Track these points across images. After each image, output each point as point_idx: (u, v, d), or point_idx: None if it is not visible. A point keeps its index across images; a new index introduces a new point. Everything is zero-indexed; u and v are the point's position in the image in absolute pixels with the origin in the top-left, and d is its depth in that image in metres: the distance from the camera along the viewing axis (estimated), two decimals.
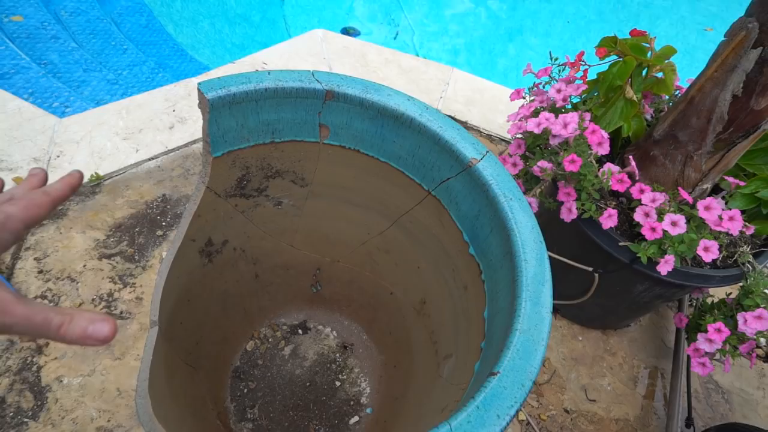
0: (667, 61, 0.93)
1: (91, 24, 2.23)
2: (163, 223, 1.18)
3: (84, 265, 1.07)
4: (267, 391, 0.91)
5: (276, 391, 0.91)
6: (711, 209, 0.80)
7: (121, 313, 1.01)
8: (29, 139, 1.26)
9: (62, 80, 1.87)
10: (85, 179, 1.21)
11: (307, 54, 1.66)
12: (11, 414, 0.86)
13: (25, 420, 0.86)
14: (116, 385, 0.92)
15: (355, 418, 0.89)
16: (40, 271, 1.04)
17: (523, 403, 0.41)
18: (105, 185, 1.22)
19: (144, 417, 0.49)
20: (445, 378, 0.69)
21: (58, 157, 1.24)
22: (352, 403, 0.91)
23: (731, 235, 0.85)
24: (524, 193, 0.98)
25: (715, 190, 0.94)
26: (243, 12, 2.84)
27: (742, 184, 0.88)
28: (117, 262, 1.09)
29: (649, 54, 0.92)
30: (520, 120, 0.96)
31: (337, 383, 0.93)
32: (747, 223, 0.84)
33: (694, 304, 1.05)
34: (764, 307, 0.83)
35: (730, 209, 0.81)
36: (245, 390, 0.90)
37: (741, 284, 0.87)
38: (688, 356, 1.05)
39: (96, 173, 1.21)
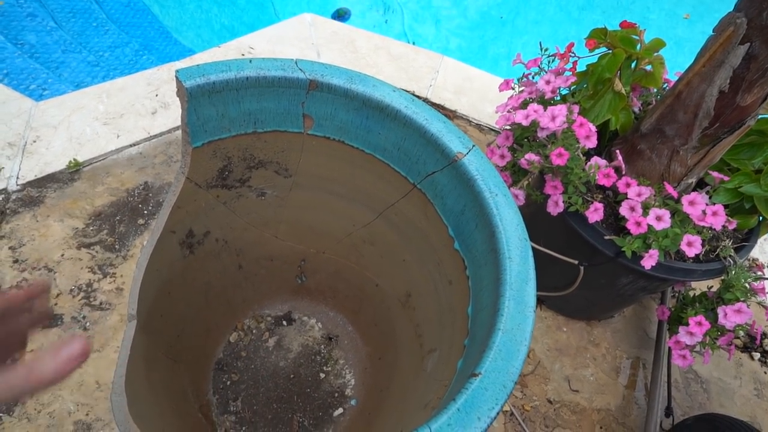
0: (656, 54, 0.92)
1: (71, 2, 2.15)
2: (145, 212, 1.15)
3: (62, 255, 1.04)
4: (250, 384, 0.90)
5: (259, 383, 0.91)
6: (695, 204, 0.80)
7: (101, 303, 0.99)
8: (4, 123, 1.21)
9: (40, 61, 1.80)
10: (63, 165, 1.17)
11: (295, 39, 1.63)
12: None
13: (0, 415, 0.85)
14: (95, 378, 0.90)
15: (340, 410, 0.89)
16: (16, 261, 1.01)
17: (504, 404, 0.41)
18: (84, 172, 1.19)
19: (119, 416, 0.48)
20: (428, 372, 0.69)
21: (34, 142, 1.20)
22: (336, 395, 0.91)
23: (714, 229, 0.86)
24: (511, 185, 0.97)
25: (700, 185, 0.94)
26: None
27: (726, 179, 0.88)
28: (96, 251, 1.06)
29: (638, 46, 0.92)
30: (508, 111, 0.95)
31: (322, 375, 0.93)
32: (729, 218, 0.85)
33: (677, 296, 1.06)
34: (744, 301, 0.84)
35: (714, 204, 0.81)
36: (228, 382, 0.90)
37: (722, 278, 0.88)
38: (669, 348, 1.07)
39: (74, 159, 1.18)
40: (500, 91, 1.01)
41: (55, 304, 0.98)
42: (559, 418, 1.03)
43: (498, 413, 0.41)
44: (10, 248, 1.03)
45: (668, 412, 1.05)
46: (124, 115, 1.31)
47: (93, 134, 1.25)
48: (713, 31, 0.72)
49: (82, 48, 1.96)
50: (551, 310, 1.17)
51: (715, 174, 0.88)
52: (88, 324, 0.97)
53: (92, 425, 0.86)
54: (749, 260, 1.36)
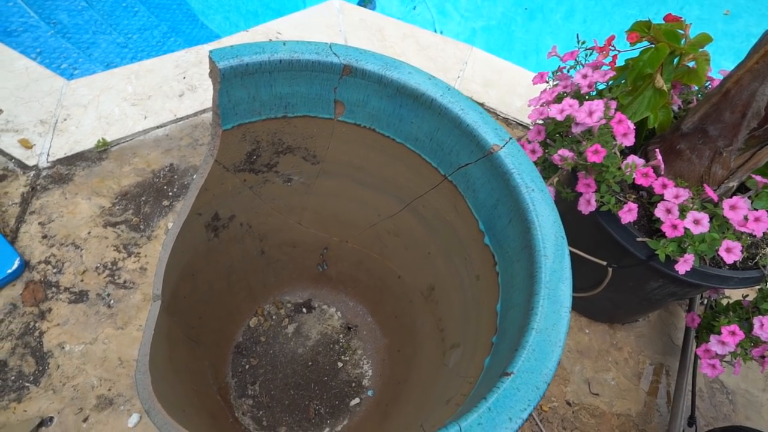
0: (701, 50, 0.88)
1: None
2: (170, 193, 1.16)
3: (89, 232, 1.05)
4: (269, 369, 0.90)
5: (278, 368, 0.91)
6: (737, 209, 0.77)
7: (125, 282, 1.01)
8: (36, 101, 1.23)
9: (71, 41, 1.83)
10: (92, 144, 1.18)
11: (323, 25, 1.61)
12: (13, 378, 0.87)
13: (27, 384, 0.86)
14: (118, 354, 0.92)
15: (356, 400, 0.89)
16: (45, 236, 1.03)
17: (536, 406, 0.40)
18: (112, 151, 1.20)
19: (143, 394, 0.48)
20: (450, 368, 0.68)
21: (65, 120, 1.22)
22: (353, 384, 0.91)
23: (754, 236, 0.82)
24: None
25: (740, 189, 0.90)
26: None
27: None
28: (122, 230, 1.08)
29: (683, 41, 0.88)
30: (541, 105, 0.93)
31: (340, 364, 0.93)
32: None
33: (706, 303, 1.03)
34: None
35: (756, 209, 0.77)
36: (247, 366, 0.90)
37: (759, 287, 0.85)
38: (696, 356, 1.04)
39: (103, 139, 1.19)
40: (534, 84, 0.98)
41: (81, 281, 0.99)
42: (578, 421, 1.01)
43: (529, 415, 0.40)
44: (39, 224, 1.04)
45: (691, 421, 1.02)
46: (151, 97, 1.32)
47: (121, 114, 1.26)
48: None
49: (112, 29, 1.98)
50: (574, 311, 1.15)
51: (758, 178, 0.84)
52: (112, 302, 0.98)
53: (114, 400, 0.87)
54: None
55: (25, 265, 0.98)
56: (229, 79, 0.58)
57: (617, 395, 1.06)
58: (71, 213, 1.08)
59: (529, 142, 0.92)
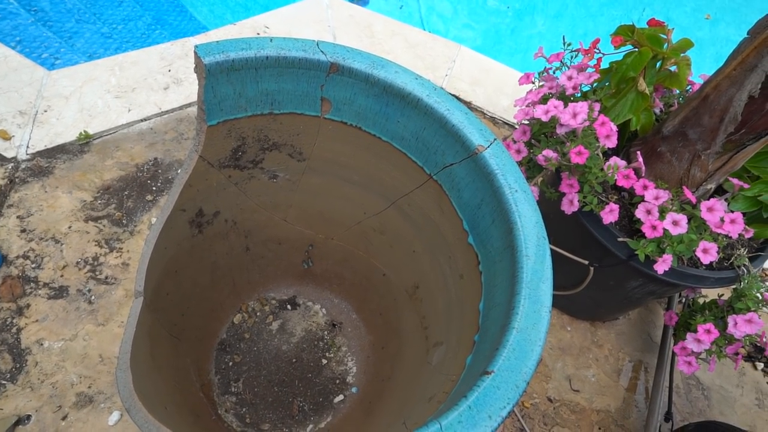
0: (682, 55, 0.90)
1: None
2: (154, 188, 1.14)
3: (69, 227, 1.04)
4: (252, 366, 0.90)
5: (261, 365, 0.91)
6: (714, 211, 0.79)
7: (106, 278, 0.99)
8: (15, 91, 1.20)
9: (53, 30, 1.78)
10: (74, 137, 1.16)
11: (312, 21, 1.60)
12: None
13: (3, 382, 0.85)
14: (98, 351, 0.90)
15: (340, 397, 0.89)
16: (23, 230, 1.01)
17: (516, 404, 0.40)
18: (94, 144, 1.18)
19: (124, 391, 0.48)
20: (434, 365, 0.68)
21: (45, 111, 1.19)
22: (337, 381, 0.91)
23: (730, 237, 0.85)
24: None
25: (718, 191, 0.92)
26: None
27: (746, 186, 0.86)
28: (104, 225, 1.06)
29: (665, 46, 0.89)
30: (527, 106, 0.94)
31: (324, 361, 0.93)
32: (747, 227, 0.83)
33: (684, 302, 1.05)
34: (755, 311, 0.83)
35: (732, 211, 0.80)
36: (230, 363, 0.90)
37: (734, 287, 0.87)
38: (673, 353, 1.06)
39: (85, 131, 1.17)
40: (520, 84, 0.99)
41: (61, 276, 0.98)
42: (558, 417, 1.03)
43: (509, 413, 0.40)
44: (18, 217, 1.02)
45: (668, 416, 1.05)
46: (136, 89, 1.29)
47: (104, 107, 1.24)
48: (748, 34, 0.70)
49: (96, 19, 1.94)
50: (556, 309, 1.17)
51: (735, 181, 0.86)
52: (93, 297, 0.96)
53: (94, 398, 0.86)
54: (763, 270, 1.35)
55: (2, 259, 0.96)
56: (215, 74, 0.58)
57: (597, 391, 1.08)
58: (51, 207, 1.06)
59: (515, 142, 0.93)
